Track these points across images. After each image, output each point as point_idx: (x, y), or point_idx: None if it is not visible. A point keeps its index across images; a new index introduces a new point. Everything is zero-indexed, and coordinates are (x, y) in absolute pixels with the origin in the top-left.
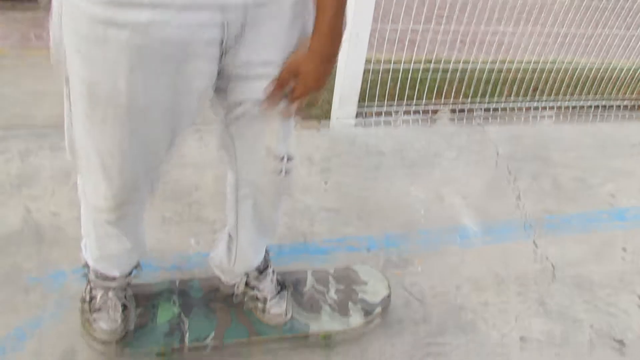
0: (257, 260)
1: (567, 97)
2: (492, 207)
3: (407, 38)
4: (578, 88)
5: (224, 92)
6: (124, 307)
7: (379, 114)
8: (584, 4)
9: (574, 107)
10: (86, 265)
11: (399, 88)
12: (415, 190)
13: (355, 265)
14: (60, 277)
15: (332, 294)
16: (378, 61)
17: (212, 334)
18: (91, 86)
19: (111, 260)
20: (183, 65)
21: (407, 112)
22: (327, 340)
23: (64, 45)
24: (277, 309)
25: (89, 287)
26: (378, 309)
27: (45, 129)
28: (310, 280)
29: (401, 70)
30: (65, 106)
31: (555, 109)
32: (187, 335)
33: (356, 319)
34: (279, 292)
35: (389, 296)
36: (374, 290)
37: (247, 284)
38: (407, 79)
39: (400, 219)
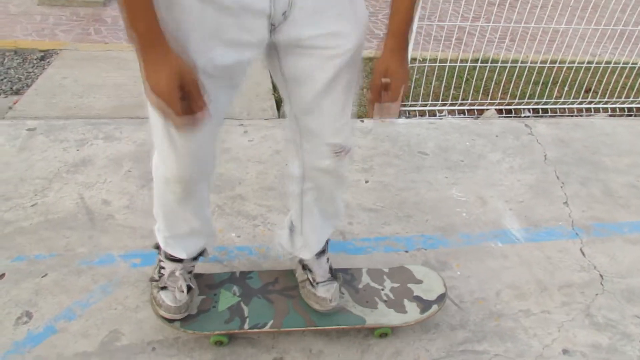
0: (320, 245)
1: (622, 98)
2: (536, 213)
3: (454, 36)
4: (635, 89)
5: (287, 77)
6: (189, 288)
7: (423, 113)
8: None
9: (629, 109)
10: (157, 247)
11: (444, 87)
12: (457, 193)
13: (409, 265)
14: (110, 262)
15: (388, 291)
16: (424, 60)
17: (271, 322)
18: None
19: (179, 241)
20: (235, 30)
21: (451, 112)
22: (382, 337)
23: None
24: (324, 293)
25: (158, 267)
26: (434, 307)
27: (100, 120)
28: (365, 277)
29: (447, 68)
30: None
31: (609, 110)
32: (247, 321)
33: (413, 315)
34: (329, 279)
35: (445, 295)
36: (429, 288)
37: (302, 265)
38: (453, 77)
39: (440, 221)
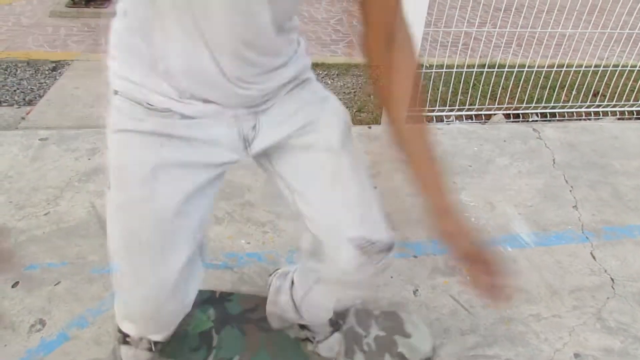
0: (327, 317)
1: (631, 101)
2: (546, 217)
3: (461, 42)
4: None
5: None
6: (150, 347)
7: (430, 119)
8: None
9: (638, 112)
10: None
11: (451, 93)
12: (465, 197)
13: (402, 313)
14: None
15: (371, 339)
16: (430, 65)
17: (237, 357)
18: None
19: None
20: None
21: (459, 118)
22: None
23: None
24: (328, 352)
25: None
26: None
27: None
28: (351, 318)
29: (454, 74)
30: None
31: (617, 114)
32: (214, 352)
33: None
34: (331, 334)
35: (430, 358)
36: (416, 346)
37: (300, 326)
38: (460, 83)
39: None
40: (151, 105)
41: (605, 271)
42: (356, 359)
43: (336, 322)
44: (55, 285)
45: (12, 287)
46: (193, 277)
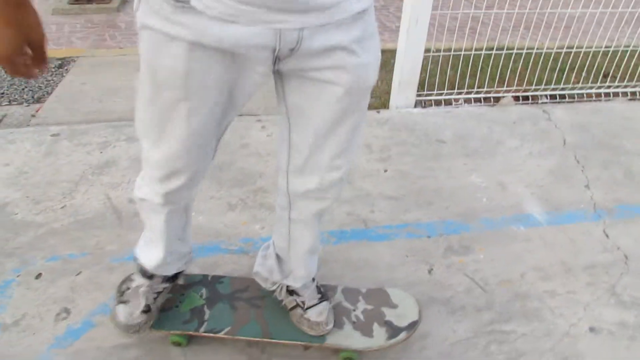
0: (311, 277)
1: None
2: (558, 196)
3: (468, 25)
4: None
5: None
6: (147, 309)
7: (438, 102)
8: None
9: None
10: (134, 259)
11: (460, 76)
12: (476, 179)
13: (389, 288)
14: None
15: (359, 312)
16: (438, 50)
17: (228, 328)
18: (153, 69)
19: (148, 252)
20: (237, 63)
21: (467, 101)
22: None
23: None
24: (318, 317)
25: (127, 279)
26: (403, 334)
27: (121, 122)
28: (338, 296)
29: (462, 57)
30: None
31: (628, 95)
32: (205, 324)
33: (378, 340)
34: (320, 301)
35: (417, 322)
36: (403, 313)
37: (287, 290)
38: (468, 66)
39: (460, 207)
40: (180, 1)
41: (619, 248)
42: (345, 329)
43: (324, 293)
44: (76, 275)
45: (36, 278)
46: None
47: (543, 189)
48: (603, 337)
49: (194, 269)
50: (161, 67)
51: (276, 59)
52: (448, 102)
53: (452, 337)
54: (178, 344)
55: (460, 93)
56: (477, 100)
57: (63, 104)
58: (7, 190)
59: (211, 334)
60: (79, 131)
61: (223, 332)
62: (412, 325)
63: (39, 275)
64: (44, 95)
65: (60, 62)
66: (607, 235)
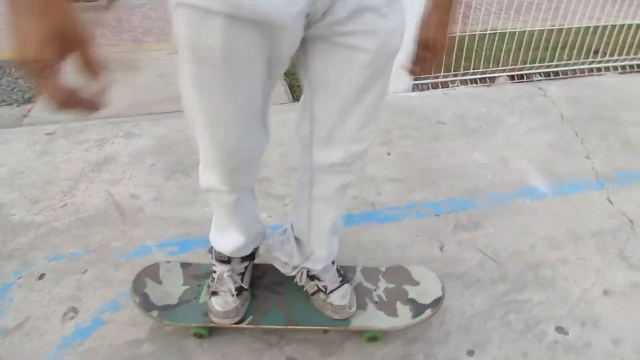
0: (332, 257)
1: (631, 56)
2: (560, 168)
3: (460, 12)
4: None
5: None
6: (240, 290)
7: (435, 85)
8: None
9: (638, 66)
10: (210, 251)
11: (455, 59)
12: (479, 157)
13: (408, 265)
14: (145, 252)
15: (380, 291)
16: None
17: (250, 317)
18: (192, 49)
19: (225, 239)
20: (272, 33)
21: (464, 83)
22: (371, 341)
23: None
24: (341, 300)
25: (212, 271)
26: (428, 311)
27: (118, 118)
28: (358, 276)
29: (456, 40)
30: (181, 82)
31: (619, 69)
32: None
33: (404, 319)
34: (341, 284)
35: (441, 298)
36: (426, 290)
37: (308, 275)
38: (463, 50)
39: (465, 185)
40: None
41: (624, 214)
42: (369, 309)
43: (344, 275)
44: (82, 273)
45: (39, 279)
46: (265, 131)
47: (545, 162)
48: (617, 300)
49: (204, 260)
50: (199, 45)
51: (307, 25)
52: (445, 85)
53: (469, 311)
54: (200, 336)
55: (456, 75)
56: (473, 81)
57: None
58: (2, 191)
59: (234, 325)
60: (75, 129)
61: (246, 322)
62: (437, 302)
63: (42, 276)
64: (34, 95)
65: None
66: (611, 202)
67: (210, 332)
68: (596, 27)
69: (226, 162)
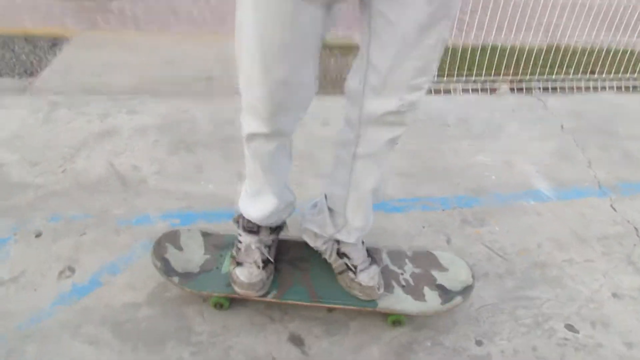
0: (367, 227)
1: (627, 75)
2: (562, 174)
3: (455, 26)
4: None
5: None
6: (266, 262)
7: (438, 91)
8: None
9: (634, 87)
10: (236, 221)
11: (458, 67)
12: (483, 158)
13: (435, 251)
14: (147, 221)
15: (407, 275)
16: None
17: (274, 292)
18: None
19: (257, 204)
20: None
21: (465, 91)
22: (395, 325)
23: None
24: (369, 281)
25: (236, 242)
26: (458, 299)
27: (120, 95)
28: (385, 257)
29: (459, 54)
30: (237, 16)
31: (614, 88)
32: None
33: (432, 305)
34: (370, 265)
35: (472, 287)
36: (455, 277)
37: (338, 252)
38: (466, 59)
39: (470, 184)
40: None
41: (629, 221)
42: (395, 292)
43: (373, 256)
44: (81, 235)
45: (36, 237)
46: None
47: (548, 168)
48: (626, 303)
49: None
50: None
51: None
52: (447, 91)
53: (477, 303)
54: (220, 306)
55: (459, 81)
56: (475, 90)
57: (60, 75)
58: (0, 152)
59: (257, 298)
60: (78, 102)
61: (270, 296)
62: (467, 290)
63: (39, 234)
64: (36, 70)
65: (53, 41)
66: (614, 209)
67: (231, 303)
68: (592, 50)
69: (275, 95)
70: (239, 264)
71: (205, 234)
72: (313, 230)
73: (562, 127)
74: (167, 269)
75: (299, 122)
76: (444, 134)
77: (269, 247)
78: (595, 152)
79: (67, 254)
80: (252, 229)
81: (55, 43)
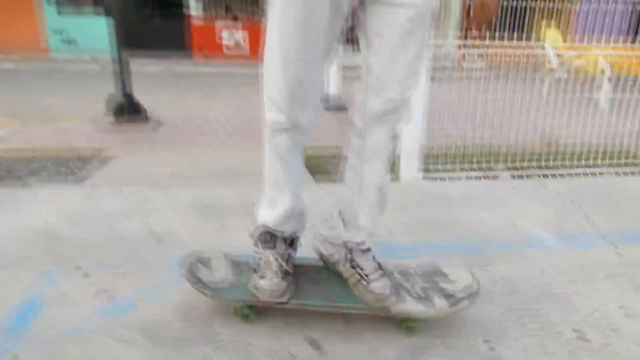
0: (374, 228)
1: (622, 161)
2: (566, 228)
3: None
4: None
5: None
6: (286, 273)
7: (443, 178)
8: None
9: (632, 173)
10: (252, 235)
11: (460, 159)
12: (488, 221)
13: (439, 263)
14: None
15: (416, 286)
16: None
17: (293, 300)
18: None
19: (275, 209)
20: None
21: (469, 177)
22: (408, 331)
23: None
24: (381, 289)
25: (256, 260)
26: (465, 302)
27: (159, 185)
28: (396, 276)
29: (463, 147)
30: (267, 32)
31: (613, 174)
32: None
33: (440, 309)
34: (382, 276)
35: (477, 292)
36: (461, 285)
37: (351, 263)
38: (466, 150)
39: (477, 237)
40: None
41: (636, 264)
42: (408, 301)
43: (384, 269)
44: (117, 268)
45: (74, 269)
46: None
47: (550, 225)
48: (635, 313)
49: None
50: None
51: None
52: (450, 178)
53: (484, 312)
54: (246, 317)
55: (462, 170)
56: (477, 178)
57: (107, 177)
58: (54, 218)
59: (279, 304)
60: (121, 189)
61: (289, 303)
62: (473, 294)
63: (78, 268)
64: (87, 177)
65: (102, 159)
66: (619, 255)
67: (258, 313)
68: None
69: (293, 90)
70: (261, 277)
71: (229, 255)
72: (324, 235)
73: (562, 197)
74: (200, 284)
75: (313, 117)
76: (449, 204)
77: (286, 260)
78: (599, 215)
79: (105, 282)
80: (268, 242)
81: (103, 160)
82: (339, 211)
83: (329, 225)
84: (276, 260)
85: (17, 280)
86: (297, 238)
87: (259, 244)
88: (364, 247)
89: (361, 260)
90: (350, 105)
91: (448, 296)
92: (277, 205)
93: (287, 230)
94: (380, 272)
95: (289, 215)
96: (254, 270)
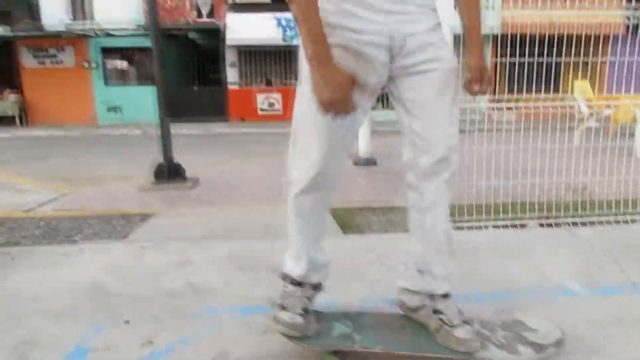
0: (449, 276)
1: None
2: (595, 276)
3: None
4: None
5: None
6: (306, 310)
7: (470, 228)
8: None
9: None
10: (283, 277)
11: (487, 210)
12: (514, 270)
13: (521, 317)
14: (215, 312)
15: (500, 337)
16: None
17: (381, 346)
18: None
19: (299, 265)
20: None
21: (496, 227)
22: None
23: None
24: (465, 334)
25: (282, 292)
26: (552, 349)
27: (197, 239)
28: (475, 325)
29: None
30: (295, 114)
31: None
32: (358, 343)
33: (527, 356)
34: (464, 323)
35: (563, 339)
36: (545, 335)
37: (433, 310)
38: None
39: (503, 286)
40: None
41: None
42: (492, 349)
43: (466, 317)
44: (158, 318)
45: (124, 323)
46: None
47: (580, 272)
48: None
49: None
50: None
51: (391, 58)
52: (478, 227)
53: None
54: None
55: (488, 220)
56: (505, 227)
57: (148, 233)
58: (101, 274)
59: (365, 349)
60: (162, 244)
61: (377, 348)
62: (560, 342)
63: (127, 322)
64: (129, 234)
65: (143, 217)
66: None
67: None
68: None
69: (322, 165)
70: (283, 308)
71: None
72: (407, 287)
73: (592, 247)
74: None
75: (339, 183)
76: (475, 255)
77: (309, 298)
78: (630, 262)
79: (148, 332)
80: (294, 280)
81: (144, 218)
82: (414, 262)
83: (406, 275)
84: (299, 297)
85: (68, 330)
86: (321, 284)
87: (288, 281)
88: (443, 292)
89: (443, 306)
90: (381, 161)
91: (532, 344)
92: (301, 262)
93: (312, 281)
94: (463, 318)
95: (312, 268)
96: (278, 304)
